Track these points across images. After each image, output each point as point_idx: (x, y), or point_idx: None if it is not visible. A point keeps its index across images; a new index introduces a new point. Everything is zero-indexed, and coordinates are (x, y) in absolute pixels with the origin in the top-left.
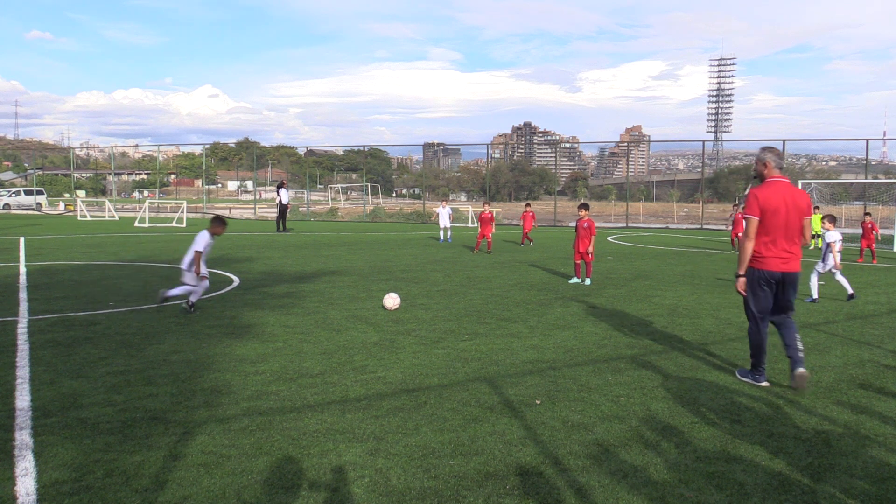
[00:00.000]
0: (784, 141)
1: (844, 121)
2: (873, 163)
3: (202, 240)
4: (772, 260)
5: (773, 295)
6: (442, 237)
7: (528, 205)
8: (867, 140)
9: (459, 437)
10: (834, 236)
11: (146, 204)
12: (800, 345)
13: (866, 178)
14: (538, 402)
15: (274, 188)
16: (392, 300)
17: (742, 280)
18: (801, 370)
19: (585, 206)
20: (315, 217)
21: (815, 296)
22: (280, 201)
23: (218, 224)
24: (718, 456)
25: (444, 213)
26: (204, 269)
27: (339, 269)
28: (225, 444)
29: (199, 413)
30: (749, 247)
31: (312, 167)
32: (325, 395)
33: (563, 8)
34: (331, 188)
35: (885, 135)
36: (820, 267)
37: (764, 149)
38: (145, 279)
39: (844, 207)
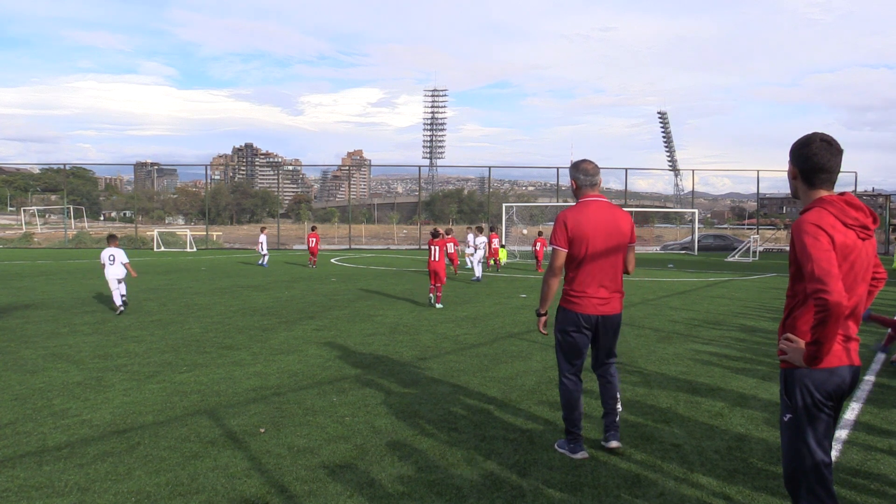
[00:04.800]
0: (490, 167)
1: (539, 150)
2: (563, 188)
3: (122, 253)
4: (587, 300)
5: (589, 342)
6: (264, 261)
7: (314, 228)
8: (557, 168)
9: (178, 477)
10: (481, 240)
11: None
12: (619, 406)
13: (558, 202)
14: (262, 430)
15: None
16: None
17: (543, 319)
18: (614, 444)
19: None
20: (5, 244)
21: (478, 275)
22: None
23: (111, 239)
24: (438, 464)
25: (264, 240)
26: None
27: (34, 303)
28: None
29: None
30: (553, 283)
31: (2, 187)
32: (18, 447)
33: (283, 31)
34: (24, 211)
35: (571, 164)
36: (477, 258)
37: (572, 164)
38: None
39: (542, 227)
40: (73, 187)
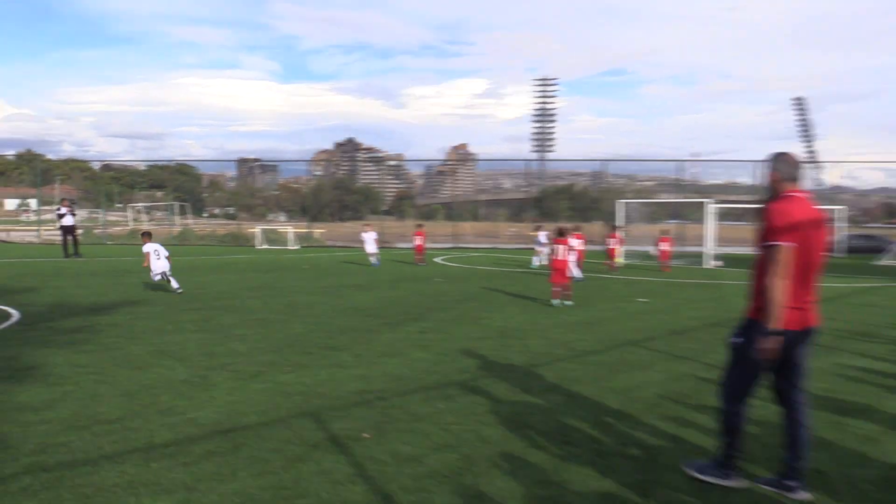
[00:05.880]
0: (604, 161)
1: (658, 142)
2: (685, 183)
3: (163, 248)
4: (794, 312)
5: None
6: (375, 261)
7: (419, 225)
8: (681, 161)
9: (281, 480)
10: (575, 242)
11: None
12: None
13: (679, 198)
14: (366, 435)
15: (64, 207)
16: None
17: (775, 339)
18: (806, 495)
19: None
20: (114, 240)
21: (579, 275)
22: (65, 223)
23: (147, 236)
24: (551, 479)
25: (369, 239)
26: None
27: (141, 299)
28: None
29: None
30: (785, 288)
31: (109, 184)
32: (126, 443)
33: (385, 21)
34: (132, 207)
35: (696, 156)
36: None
37: (773, 155)
38: None
39: (663, 225)
40: (177, 184)
